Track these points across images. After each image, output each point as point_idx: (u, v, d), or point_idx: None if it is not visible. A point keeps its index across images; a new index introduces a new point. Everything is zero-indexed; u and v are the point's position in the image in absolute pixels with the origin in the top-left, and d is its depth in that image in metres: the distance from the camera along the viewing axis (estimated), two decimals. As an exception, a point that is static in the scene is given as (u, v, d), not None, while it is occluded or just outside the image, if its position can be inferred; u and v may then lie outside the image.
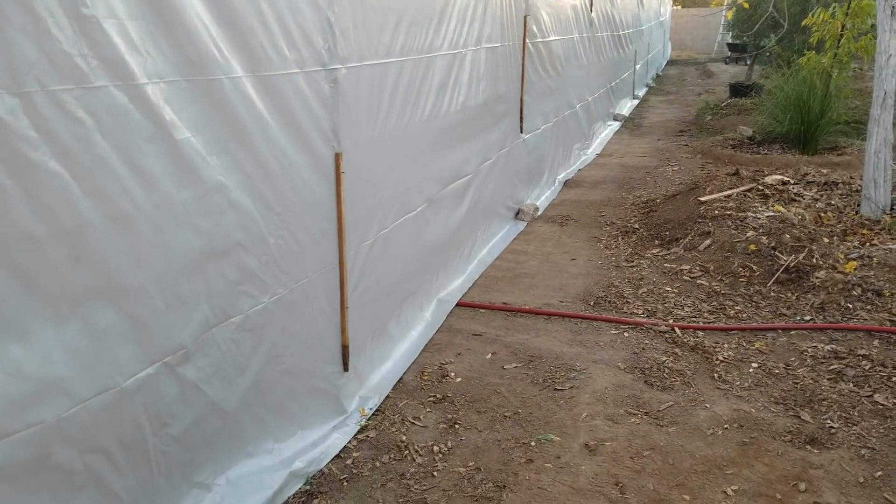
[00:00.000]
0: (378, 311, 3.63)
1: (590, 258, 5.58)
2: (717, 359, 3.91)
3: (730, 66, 22.03)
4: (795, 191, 6.33)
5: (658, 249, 5.59)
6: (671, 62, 25.13)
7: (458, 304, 4.65)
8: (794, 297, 4.70)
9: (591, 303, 4.69)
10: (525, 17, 6.11)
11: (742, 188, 6.37)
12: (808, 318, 4.45)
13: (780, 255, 5.04)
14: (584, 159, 9.30)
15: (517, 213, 6.54)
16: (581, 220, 6.65)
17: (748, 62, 20.52)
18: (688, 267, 5.16)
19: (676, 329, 4.26)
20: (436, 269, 4.56)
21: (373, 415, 3.36)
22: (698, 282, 4.96)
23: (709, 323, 4.38)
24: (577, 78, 8.53)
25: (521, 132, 6.39)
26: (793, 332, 4.26)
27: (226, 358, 2.47)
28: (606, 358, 3.93)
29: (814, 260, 4.96)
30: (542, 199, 7.19)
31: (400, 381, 3.68)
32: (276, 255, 2.68)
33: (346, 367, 3.25)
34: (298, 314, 2.87)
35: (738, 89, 13.37)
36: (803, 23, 9.69)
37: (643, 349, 4.03)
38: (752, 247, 5.14)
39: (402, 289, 3.99)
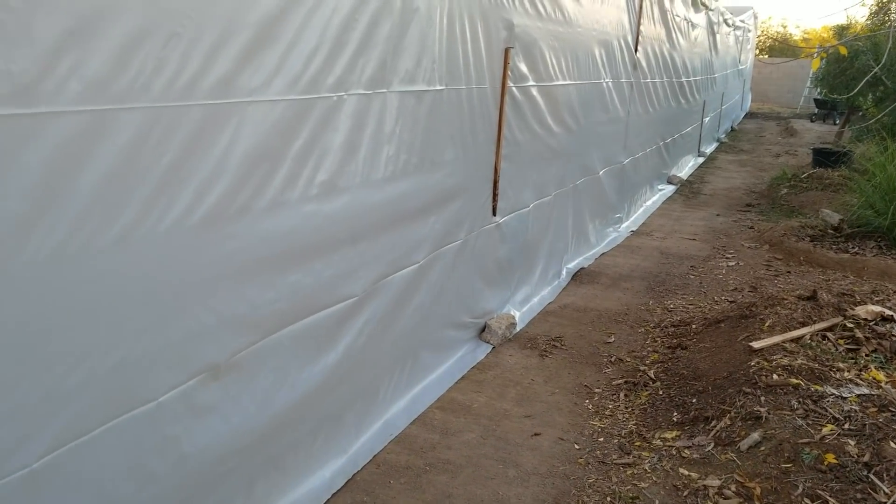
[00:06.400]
0: None
1: (564, 435, 3.47)
2: None
3: (816, 124, 19.51)
4: (906, 336, 4.09)
5: (675, 432, 3.44)
6: (750, 115, 22.70)
7: (289, 538, 2.63)
8: (907, 585, 2.53)
9: (528, 559, 2.60)
10: (507, 51, 4.11)
11: (819, 325, 4.16)
12: None
13: (878, 483, 2.85)
14: (614, 238, 7.18)
15: (482, 330, 4.48)
16: (576, 347, 4.54)
17: (837, 121, 18.03)
18: (717, 483, 3.01)
19: None
20: (248, 480, 2.55)
21: None
22: (732, 520, 2.81)
23: None
24: (604, 134, 6.44)
25: (494, 214, 4.35)
26: None
27: None
28: None
29: (945, 502, 2.76)
30: (530, 303, 5.11)
31: None
32: None
33: None
34: None
35: (823, 156, 11.00)
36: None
37: None
38: (831, 458, 2.97)
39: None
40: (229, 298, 2.30)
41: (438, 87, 3.36)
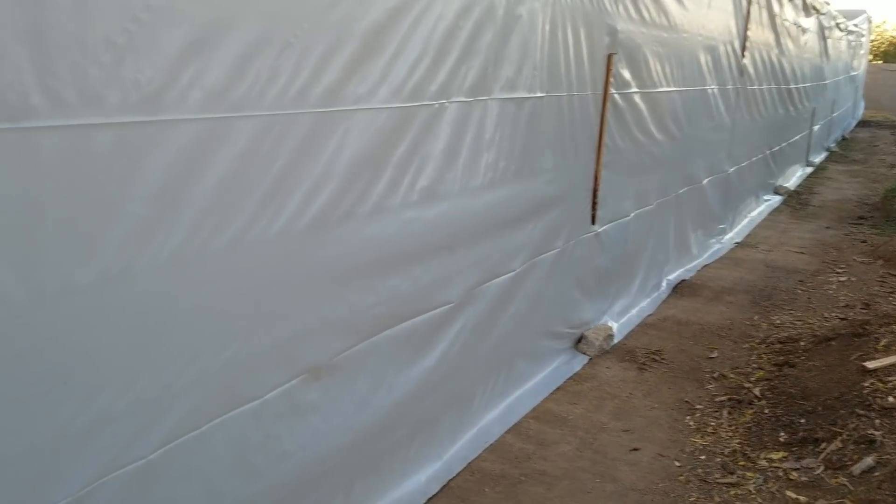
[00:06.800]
0: None
1: (664, 451, 3.38)
2: None
3: (936, 133, 18.34)
4: None
5: (781, 453, 3.29)
6: (863, 123, 21.56)
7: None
8: None
9: (625, 577, 2.54)
10: (609, 57, 4.05)
11: (944, 346, 3.91)
12: None
13: None
14: (717, 250, 6.95)
15: (578, 341, 4.42)
16: (676, 361, 4.41)
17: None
18: (828, 509, 2.86)
19: None
20: (346, 481, 2.60)
21: None
22: (844, 549, 2.67)
23: None
24: (708, 142, 6.26)
25: (593, 222, 4.29)
26: None
27: None
28: None
29: None
30: (629, 315, 5.00)
31: None
32: None
33: None
34: None
35: (946, 166, 10.32)
36: None
37: None
38: (959, 489, 2.78)
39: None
40: (332, 301, 2.35)
41: (539, 94, 3.35)
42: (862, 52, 19.67)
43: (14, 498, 1.52)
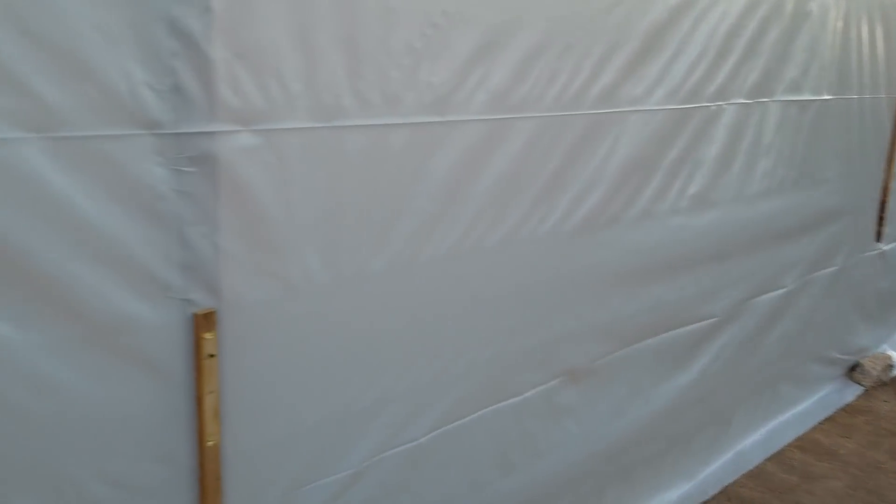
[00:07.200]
0: None
1: (955, 502, 2.95)
2: None
3: None
4: None
5: None
6: None
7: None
8: None
9: None
10: (910, 54, 3.61)
11: None
12: None
13: None
14: None
15: (852, 369, 3.99)
16: (974, 402, 3.84)
17: None
18: None
19: None
20: (597, 488, 2.56)
21: None
22: None
23: None
24: None
25: (878, 239, 3.86)
26: None
27: None
28: None
29: None
30: (913, 345, 4.44)
31: None
32: None
33: None
34: None
35: None
36: None
37: None
38: None
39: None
40: (594, 305, 2.32)
41: (825, 97, 3.07)
42: None
43: (307, 465, 1.68)
